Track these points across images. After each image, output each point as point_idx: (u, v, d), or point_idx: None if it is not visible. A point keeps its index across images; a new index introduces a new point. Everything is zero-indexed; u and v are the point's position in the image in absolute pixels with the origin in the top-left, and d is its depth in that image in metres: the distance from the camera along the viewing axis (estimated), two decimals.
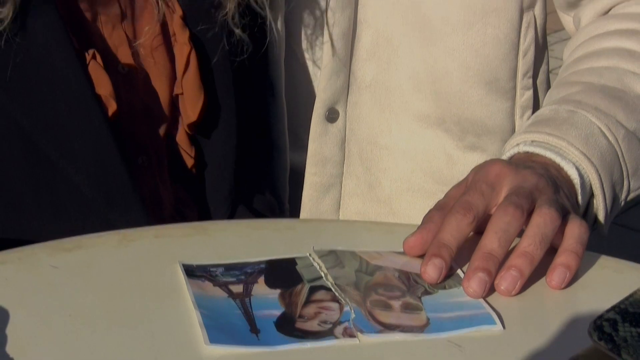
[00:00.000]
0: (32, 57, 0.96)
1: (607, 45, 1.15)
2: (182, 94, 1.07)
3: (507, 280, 0.84)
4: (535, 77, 1.27)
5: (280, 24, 1.18)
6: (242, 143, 1.14)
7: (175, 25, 1.06)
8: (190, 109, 1.07)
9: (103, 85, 0.99)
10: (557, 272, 0.86)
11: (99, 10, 1.02)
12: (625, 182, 1.06)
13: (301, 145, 1.26)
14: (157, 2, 1.04)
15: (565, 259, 0.86)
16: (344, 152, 1.26)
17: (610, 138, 1.04)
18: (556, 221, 0.88)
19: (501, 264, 0.85)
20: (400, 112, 1.24)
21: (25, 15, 0.95)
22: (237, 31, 1.07)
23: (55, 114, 0.98)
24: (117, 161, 1.00)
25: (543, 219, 0.87)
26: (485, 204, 0.89)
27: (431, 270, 0.85)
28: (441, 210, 0.91)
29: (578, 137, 1.02)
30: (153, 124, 1.08)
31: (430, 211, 0.92)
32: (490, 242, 0.86)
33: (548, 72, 1.31)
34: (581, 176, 1.00)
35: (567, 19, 1.28)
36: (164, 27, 1.06)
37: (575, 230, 0.88)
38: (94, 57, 0.99)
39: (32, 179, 0.98)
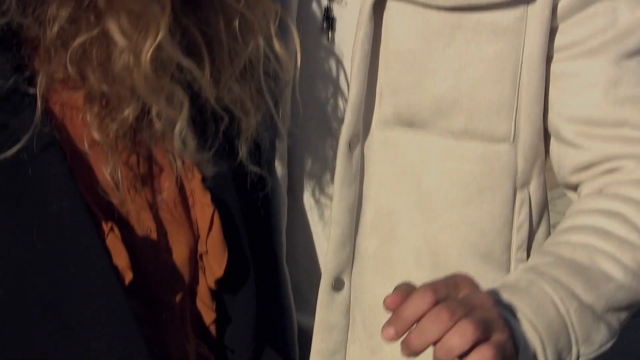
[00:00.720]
0: (51, 229, 0.98)
1: (589, 223, 1.23)
2: (206, 252, 1.11)
3: None
4: (529, 250, 1.33)
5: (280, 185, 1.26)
6: (257, 299, 1.17)
7: (195, 188, 1.10)
8: (215, 265, 1.11)
9: (120, 256, 1.00)
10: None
11: (121, 178, 1.04)
12: (574, 349, 1.13)
13: (307, 308, 1.30)
14: (172, 165, 1.08)
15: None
16: (348, 319, 1.31)
17: (561, 309, 1.12)
18: (470, 335, 0.95)
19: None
20: (400, 282, 1.30)
21: (46, 194, 0.97)
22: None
23: (73, 282, 0.99)
24: (135, 331, 1.01)
25: (455, 331, 0.96)
26: (446, 293, 0.98)
27: (385, 334, 0.96)
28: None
29: (529, 305, 1.11)
30: (176, 282, 1.10)
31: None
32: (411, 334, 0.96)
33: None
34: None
35: (572, 195, 1.34)
36: (181, 187, 1.10)
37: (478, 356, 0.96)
38: (111, 229, 1.01)
39: (54, 347, 0.99)
